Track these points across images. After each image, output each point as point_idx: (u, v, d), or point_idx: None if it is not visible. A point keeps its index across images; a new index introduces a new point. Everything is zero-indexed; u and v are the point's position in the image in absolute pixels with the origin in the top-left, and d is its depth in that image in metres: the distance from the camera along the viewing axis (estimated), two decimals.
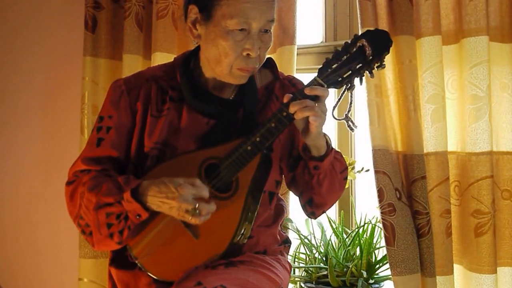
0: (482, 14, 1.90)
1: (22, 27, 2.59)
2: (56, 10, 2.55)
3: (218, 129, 1.44)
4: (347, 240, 2.05)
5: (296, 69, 2.10)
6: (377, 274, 2.02)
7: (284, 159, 1.52)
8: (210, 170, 1.37)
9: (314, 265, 2.03)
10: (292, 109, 1.32)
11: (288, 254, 1.62)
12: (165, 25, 2.17)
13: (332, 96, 1.40)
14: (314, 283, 2.00)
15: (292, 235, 2.05)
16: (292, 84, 1.56)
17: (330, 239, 2.08)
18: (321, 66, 1.36)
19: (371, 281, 1.99)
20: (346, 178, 1.55)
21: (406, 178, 1.98)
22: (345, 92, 1.39)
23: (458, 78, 1.97)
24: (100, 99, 2.22)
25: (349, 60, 1.34)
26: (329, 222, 2.10)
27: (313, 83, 1.35)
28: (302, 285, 2.03)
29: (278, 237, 1.56)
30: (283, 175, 1.56)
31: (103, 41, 2.29)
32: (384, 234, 1.92)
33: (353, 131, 1.43)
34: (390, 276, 1.94)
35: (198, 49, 1.51)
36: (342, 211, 2.18)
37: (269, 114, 1.37)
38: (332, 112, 1.37)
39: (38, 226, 2.53)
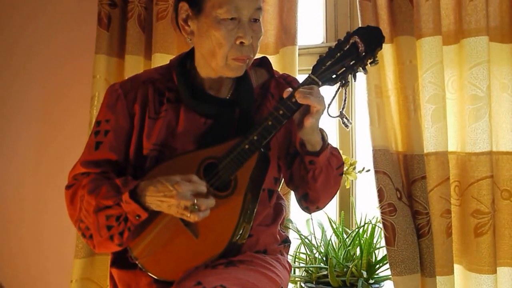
0: (482, 15, 1.90)
1: (31, 24, 2.59)
2: (66, 7, 2.55)
3: (216, 128, 1.45)
4: (347, 240, 2.06)
5: (298, 70, 2.10)
6: (377, 274, 2.02)
7: (282, 157, 1.53)
8: (208, 169, 1.37)
9: (314, 265, 2.03)
10: (298, 95, 1.32)
11: (288, 254, 1.62)
12: (165, 26, 2.18)
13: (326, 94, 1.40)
14: (314, 283, 2.00)
15: (292, 235, 2.06)
16: (287, 82, 1.57)
17: (330, 239, 2.08)
18: (315, 63, 1.37)
19: (371, 281, 1.99)
20: (342, 174, 1.55)
21: (406, 178, 1.98)
22: (340, 89, 1.40)
23: (458, 78, 1.97)
24: None
25: (342, 57, 1.36)
26: (330, 222, 2.10)
27: (307, 80, 1.37)
28: (303, 285, 2.03)
29: (278, 236, 1.56)
30: (281, 173, 1.57)
31: (115, 39, 2.28)
32: (384, 234, 1.92)
33: (347, 128, 1.44)
34: (390, 276, 1.94)
35: (193, 50, 1.52)
36: (343, 211, 2.19)
37: (266, 113, 1.38)
38: (327, 110, 1.38)
39: (42, 226, 2.54)
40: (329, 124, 2.15)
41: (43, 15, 2.58)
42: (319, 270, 2.02)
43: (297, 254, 2.12)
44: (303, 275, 2.09)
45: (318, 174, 1.47)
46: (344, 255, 2.02)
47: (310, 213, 1.68)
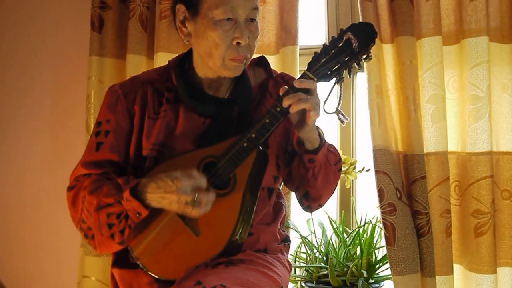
0: (482, 15, 1.90)
1: (27, 27, 2.60)
2: (61, 10, 2.56)
3: (214, 128, 1.46)
4: (347, 239, 2.06)
5: (299, 70, 2.11)
6: (377, 273, 2.02)
7: (280, 155, 1.54)
8: (208, 168, 1.38)
9: (314, 265, 2.04)
10: (286, 103, 1.34)
11: (288, 253, 1.63)
12: (168, 25, 2.18)
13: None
14: (314, 282, 2.01)
15: (293, 235, 2.06)
16: (285, 81, 1.58)
17: (330, 239, 2.08)
18: (310, 60, 1.38)
19: (371, 281, 1.99)
20: (340, 170, 1.56)
21: (406, 178, 1.98)
22: (335, 86, 1.41)
23: (458, 79, 1.97)
24: None
25: (337, 53, 1.37)
26: (330, 221, 2.10)
27: (303, 77, 1.38)
28: (303, 284, 2.04)
29: (278, 235, 1.56)
30: (280, 171, 1.57)
31: (110, 40, 2.30)
32: (385, 234, 1.93)
33: (343, 124, 1.44)
34: (390, 276, 1.95)
35: (191, 51, 1.53)
36: (343, 211, 2.19)
37: (264, 111, 1.38)
38: (323, 106, 1.39)
39: (43, 224, 2.54)
40: (329, 124, 2.15)
41: (40, 17, 2.59)
42: (319, 270, 2.03)
43: (298, 253, 2.13)
44: (303, 274, 2.09)
45: (318, 172, 1.48)
46: (344, 254, 2.02)
47: (311, 212, 1.68)
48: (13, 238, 2.59)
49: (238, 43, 1.40)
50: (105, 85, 2.27)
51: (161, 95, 1.50)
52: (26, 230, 2.57)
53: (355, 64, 1.39)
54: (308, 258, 2.09)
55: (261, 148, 1.40)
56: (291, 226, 2.07)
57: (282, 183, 1.62)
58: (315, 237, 2.11)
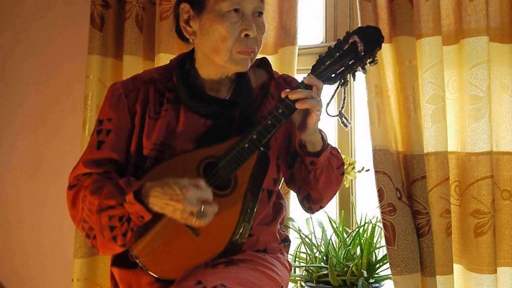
0: (482, 15, 1.90)
1: (26, 26, 2.60)
2: (60, 9, 2.56)
3: (215, 128, 1.45)
4: (347, 239, 2.06)
5: (297, 70, 2.11)
6: (377, 273, 2.03)
7: (281, 157, 1.53)
8: (208, 168, 1.38)
9: (314, 265, 2.04)
10: (294, 96, 1.33)
11: (288, 253, 1.63)
12: (168, 26, 2.18)
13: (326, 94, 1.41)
14: (314, 282, 2.01)
15: (293, 235, 2.06)
16: (287, 83, 1.57)
17: (330, 239, 2.08)
18: (314, 63, 1.38)
19: (371, 281, 1.99)
20: (343, 174, 1.56)
21: (406, 178, 1.98)
22: (339, 89, 1.41)
23: (458, 79, 1.98)
24: None
25: (341, 56, 1.37)
26: (330, 221, 2.10)
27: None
28: (303, 284, 2.04)
29: (278, 235, 1.56)
30: (280, 173, 1.57)
31: (110, 40, 2.29)
32: (384, 233, 1.93)
33: (346, 127, 1.44)
34: (390, 276, 1.95)
35: (193, 51, 1.53)
36: (343, 210, 2.19)
37: (265, 113, 1.38)
38: (326, 109, 1.38)
39: (42, 225, 2.54)
40: (328, 124, 2.16)
41: (38, 17, 2.58)
42: (319, 270, 2.03)
43: (298, 253, 2.13)
44: (303, 274, 2.09)
45: (319, 175, 1.47)
46: (344, 254, 2.02)
47: (312, 213, 1.68)
48: (13, 239, 2.59)
49: (246, 35, 1.39)
50: (105, 84, 2.27)
51: (162, 94, 1.50)
52: (25, 231, 2.57)
53: (360, 68, 1.38)
54: (308, 258, 2.10)
55: (262, 149, 1.39)
56: (291, 226, 2.07)
57: (284, 183, 1.62)
58: (315, 236, 2.11)
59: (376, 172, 1.94)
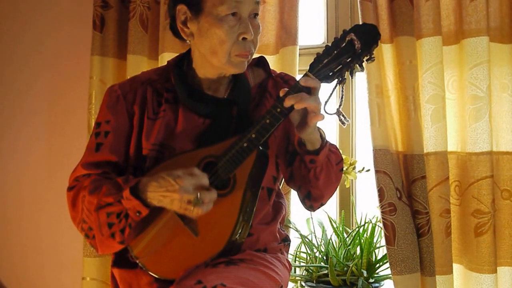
0: (482, 15, 1.90)
1: (28, 26, 2.61)
2: (62, 9, 2.57)
3: (214, 128, 1.46)
4: (347, 239, 2.06)
5: (298, 70, 2.11)
6: (377, 273, 2.03)
7: (280, 155, 1.54)
8: (207, 168, 1.38)
9: (314, 264, 2.04)
10: (288, 103, 1.33)
11: (288, 253, 1.63)
12: (167, 27, 2.19)
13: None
14: (314, 282, 2.01)
15: (293, 234, 2.07)
16: (285, 81, 1.58)
17: (330, 239, 2.08)
18: (312, 61, 1.38)
19: (371, 280, 2.00)
20: (342, 170, 1.56)
21: (406, 178, 1.99)
22: (337, 87, 1.41)
23: (458, 79, 1.98)
24: None
25: (339, 54, 1.36)
26: (330, 221, 2.11)
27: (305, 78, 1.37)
28: (303, 284, 2.04)
29: (278, 235, 1.56)
30: (280, 171, 1.57)
31: (111, 40, 2.30)
32: (385, 233, 1.93)
33: (344, 125, 1.44)
34: (390, 275, 1.95)
35: (190, 51, 1.53)
36: (343, 210, 2.19)
37: (264, 112, 1.38)
38: (324, 107, 1.39)
39: (42, 225, 2.55)
40: (328, 124, 2.16)
41: (41, 17, 2.59)
42: (319, 269, 2.03)
43: (298, 253, 2.13)
44: (303, 274, 2.09)
45: (319, 172, 1.48)
46: (344, 254, 2.02)
47: (314, 211, 1.68)
48: (13, 238, 2.60)
49: (244, 38, 1.40)
50: (107, 85, 2.27)
51: (160, 95, 1.50)
52: (26, 231, 2.58)
53: (357, 65, 1.38)
54: (308, 258, 2.10)
55: (261, 148, 1.40)
56: (291, 226, 2.07)
57: (284, 182, 1.62)
58: (315, 236, 2.11)
59: (377, 172, 1.94)
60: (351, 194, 2.25)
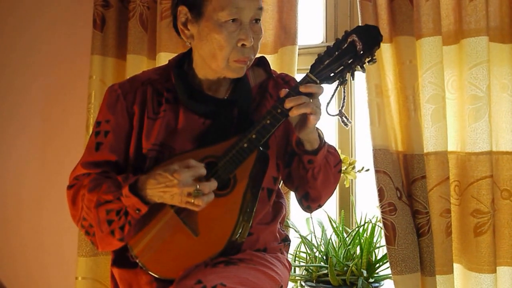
0: (482, 15, 1.90)
1: (28, 25, 2.60)
2: (62, 8, 2.56)
3: (214, 128, 1.46)
4: (347, 239, 2.06)
5: (297, 69, 2.11)
6: (377, 273, 2.03)
7: (279, 156, 1.54)
8: (208, 168, 1.37)
9: (314, 264, 2.04)
10: (288, 105, 1.33)
11: (288, 253, 1.63)
12: (169, 25, 2.18)
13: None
14: (314, 282, 2.01)
15: (292, 234, 2.06)
16: (286, 82, 1.58)
17: (330, 238, 2.08)
18: (313, 62, 1.38)
19: (371, 280, 1.99)
20: (340, 171, 1.56)
21: (406, 178, 1.99)
22: (338, 88, 1.41)
23: (458, 78, 1.98)
24: None
25: (340, 55, 1.36)
26: (330, 221, 2.11)
27: (305, 79, 1.37)
28: (303, 283, 2.04)
29: (278, 235, 1.57)
30: (280, 172, 1.57)
31: (111, 40, 2.30)
32: (385, 233, 1.93)
33: (347, 126, 1.44)
34: (390, 275, 1.95)
35: (191, 51, 1.53)
36: (343, 210, 2.19)
37: (264, 112, 1.38)
38: (326, 108, 1.39)
39: (42, 224, 2.54)
40: (328, 124, 2.16)
41: (41, 16, 2.59)
42: (319, 269, 2.03)
43: (298, 253, 2.13)
44: (303, 274, 2.09)
45: (317, 173, 1.48)
46: (344, 254, 2.02)
47: (311, 212, 1.68)
48: (13, 238, 2.59)
49: (243, 44, 1.40)
50: (107, 85, 2.26)
51: (160, 95, 1.50)
52: (25, 230, 2.57)
53: (359, 67, 1.38)
54: (308, 258, 2.10)
55: (261, 149, 1.40)
56: (291, 226, 2.07)
57: (282, 182, 1.62)
58: (315, 236, 2.11)
59: (377, 171, 1.94)
60: (351, 194, 2.25)
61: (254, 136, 1.36)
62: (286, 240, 1.61)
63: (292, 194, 2.05)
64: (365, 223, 2.05)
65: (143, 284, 1.43)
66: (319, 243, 2.09)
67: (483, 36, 1.90)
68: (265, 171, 1.43)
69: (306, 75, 1.37)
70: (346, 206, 2.25)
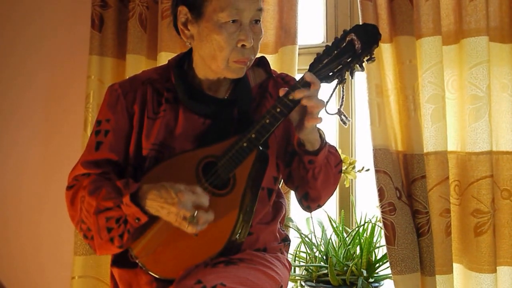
0: (482, 15, 1.90)
1: (27, 26, 2.60)
2: (61, 8, 2.57)
3: (214, 128, 1.46)
4: (347, 239, 2.06)
5: (298, 69, 2.11)
6: (377, 273, 2.03)
7: (279, 156, 1.54)
8: (207, 168, 1.38)
9: (314, 264, 2.04)
10: (298, 95, 1.33)
11: (288, 253, 1.63)
12: (170, 25, 2.18)
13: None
14: (314, 281, 2.01)
15: (292, 234, 2.07)
16: (285, 82, 1.58)
17: (330, 238, 2.08)
18: (312, 61, 1.38)
19: (371, 280, 1.99)
20: (340, 172, 1.56)
21: (406, 178, 1.99)
22: (337, 87, 1.41)
23: (458, 78, 1.98)
24: None
25: (339, 54, 1.36)
26: (330, 221, 2.11)
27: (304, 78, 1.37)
28: (303, 283, 2.04)
29: (278, 235, 1.56)
30: (280, 172, 1.57)
31: (110, 40, 2.30)
32: (385, 233, 1.93)
33: (346, 125, 1.44)
34: (390, 275, 1.95)
35: (191, 51, 1.53)
36: (343, 210, 2.19)
37: (264, 112, 1.38)
38: (325, 107, 1.39)
39: (40, 225, 2.54)
40: (328, 124, 2.16)
41: (40, 16, 2.59)
42: (319, 269, 2.03)
43: (298, 253, 2.13)
44: (303, 274, 2.09)
45: (318, 173, 1.48)
46: (344, 254, 2.02)
47: (311, 212, 1.68)
48: (13, 238, 2.59)
49: (243, 45, 1.40)
50: (105, 85, 2.27)
51: (160, 95, 1.50)
52: (25, 230, 2.57)
53: (358, 65, 1.38)
54: (308, 258, 2.10)
55: (261, 148, 1.40)
56: (291, 226, 2.07)
57: (282, 182, 1.62)
58: (315, 236, 2.11)
59: (377, 171, 1.94)
60: (351, 194, 2.25)
61: (253, 136, 1.36)
62: (286, 240, 1.61)
63: (292, 194, 2.05)
64: (365, 223, 2.05)
65: (143, 284, 1.43)
66: (319, 243, 2.09)
67: (483, 36, 1.90)
68: (265, 171, 1.43)
69: (305, 73, 1.37)
70: (346, 206, 2.25)
